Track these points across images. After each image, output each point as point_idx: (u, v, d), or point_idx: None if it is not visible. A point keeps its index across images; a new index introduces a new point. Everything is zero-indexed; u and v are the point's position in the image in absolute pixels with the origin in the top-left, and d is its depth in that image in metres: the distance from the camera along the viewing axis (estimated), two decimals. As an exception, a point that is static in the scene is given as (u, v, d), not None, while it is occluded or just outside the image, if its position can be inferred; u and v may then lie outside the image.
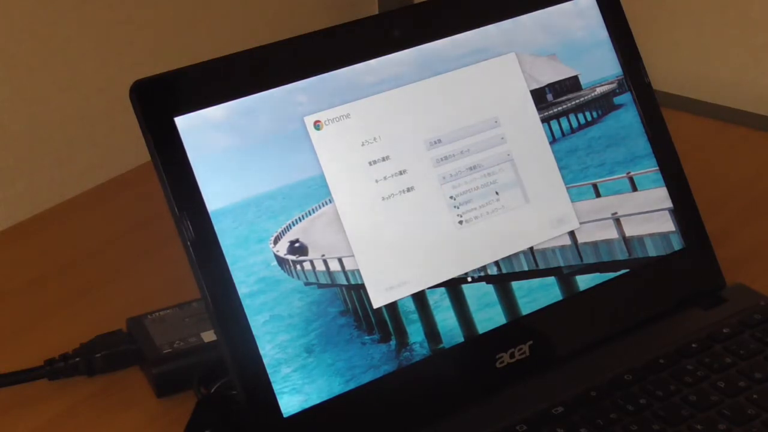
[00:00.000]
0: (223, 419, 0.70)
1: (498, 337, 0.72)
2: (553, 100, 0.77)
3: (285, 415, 0.66)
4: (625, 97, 0.79)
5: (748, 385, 0.71)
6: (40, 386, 0.79)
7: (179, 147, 0.66)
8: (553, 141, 0.76)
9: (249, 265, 0.66)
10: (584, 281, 0.75)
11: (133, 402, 0.77)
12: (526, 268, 0.74)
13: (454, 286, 0.71)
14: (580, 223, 0.75)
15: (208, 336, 0.78)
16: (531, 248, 0.74)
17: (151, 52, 1.12)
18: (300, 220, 0.69)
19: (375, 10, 1.28)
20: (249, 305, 0.66)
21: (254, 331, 0.66)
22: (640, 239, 0.77)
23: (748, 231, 0.92)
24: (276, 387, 0.66)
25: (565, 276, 0.75)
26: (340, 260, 0.69)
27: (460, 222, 0.72)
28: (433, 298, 0.71)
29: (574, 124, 0.77)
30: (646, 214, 0.78)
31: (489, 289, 0.72)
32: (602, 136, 0.78)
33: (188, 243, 0.65)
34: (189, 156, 0.66)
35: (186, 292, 0.79)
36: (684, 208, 0.79)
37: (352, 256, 0.69)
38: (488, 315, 0.72)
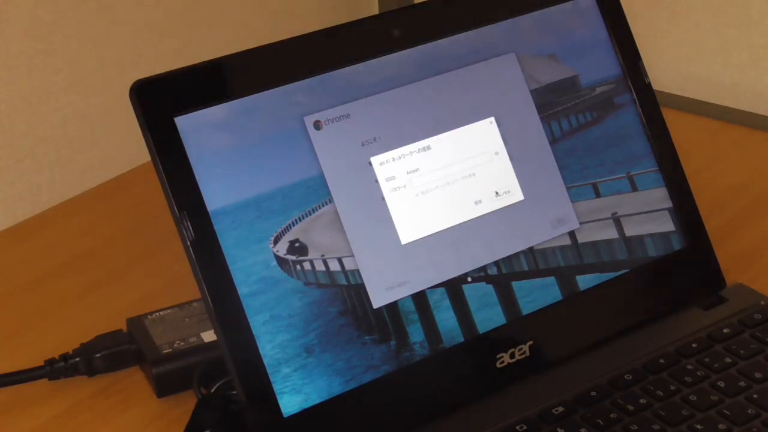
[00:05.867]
0: (223, 419, 0.70)
1: (498, 337, 0.72)
2: (553, 100, 0.77)
3: (285, 415, 0.66)
4: (625, 97, 0.79)
5: (748, 385, 0.71)
6: (40, 386, 0.79)
7: (179, 147, 0.66)
8: (553, 141, 0.76)
9: (249, 265, 0.66)
10: (584, 281, 0.75)
11: (133, 402, 0.77)
12: (526, 268, 0.74)
13: (454, 286, 0.71)
14: (580, 223, 0.75)
15: (208, 336, 0.78)
16: (531, 248, 0.74)
17: (151, 52, 1.12)
18: (300, 220, 0.69)
19: (375, 10, 1.28)
20: (249, 305, 0.66)
21: (254, 331, 0.66)
22: (640, 239, 0.77)
23: (748, 231, 0.92)
24: (276, 387, 0.66)
25: (565, 276, 0.75)
26: (340, 260, 0.69)
27: (460, 222, 0.72)
28: (433, 298, 0.71)
29: (574, 124, 0.77)
30: (646, 214, 0.78)
31: (489, 289, 0.72)
32: (602, 136, 0.78)
33: (188, 243, 0.65)
34: (189, 156, 0.66)
35: (186, 292, 0.79)
36: (684, 208, 0.79)
37: (352, 256, 0.69)
38: (488, 315, 0.72)
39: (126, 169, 1.07)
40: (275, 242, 0.68)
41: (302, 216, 0.69)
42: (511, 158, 0.74)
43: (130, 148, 1.06)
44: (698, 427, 0.68)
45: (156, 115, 0.65)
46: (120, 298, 0.87)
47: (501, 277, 0.73)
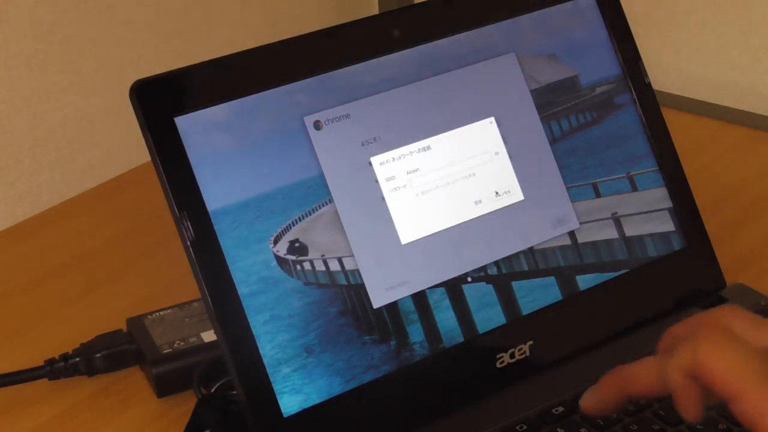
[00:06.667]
0: (223, 419, 0.70)
1: (498, 337, 0.72)
2: (553, 100, 0.77)
3: (285, 415, 0.66)
4: (625, 97, 0.79)
5: (748, 385, 0.71)
6: (40, 386, 0.79)
7: (179, 147, 0.66)
8: (553, 141, 0.76)
9: (249, 265, 0.66)
10: (584, 281, 0.75)
11: (133, 402, 0.77)
12: (526, 268, 0.74)
13: (454, 286, 0.71)
14: (580, 223, 0.75)
15: (208, 336, 0.78)
16: (531, 248, 0.74)
17: (151, 52, 1.12)
18: (300, 220, 0.69)
19: (375, 10, 1.28)
20: (249, 305, 0.66)
21: (254, 331, 0.66)
22: (640, 239, 0.77)
23: (748, 231, 0.92)
24: (276, 387, 0.66)
25: (565, 276, 0.75)
26: (340, 260, 0.69)
27: (460, 222, 0.72)
28: (433, 298, 0.71)
29: (574, 124, 0.77)
30: (646, 214, 0.78)
31: (489, 289, 0.72)
32: (602, 136, 0.78)
33: (188, 243, 0.65)
34: (189, 156, 0.66)
35: (186, 292, 0.79)
36: (684, 208, 0.79)
37: (352, 256, 0.69)
38: (488, 315, 0.72)
39: (126, 169, 1.07)
40: (275, 242, 0.68)
41: (302, 216, 0.69)
42: (511, 158, 0.74)
43: (130, 148, 1.06)
44: (698, 426, 0.68)
45: (156, 115, 0.65)
46: (120, 298, 0.87)
47: (501, 277, 0.73)
